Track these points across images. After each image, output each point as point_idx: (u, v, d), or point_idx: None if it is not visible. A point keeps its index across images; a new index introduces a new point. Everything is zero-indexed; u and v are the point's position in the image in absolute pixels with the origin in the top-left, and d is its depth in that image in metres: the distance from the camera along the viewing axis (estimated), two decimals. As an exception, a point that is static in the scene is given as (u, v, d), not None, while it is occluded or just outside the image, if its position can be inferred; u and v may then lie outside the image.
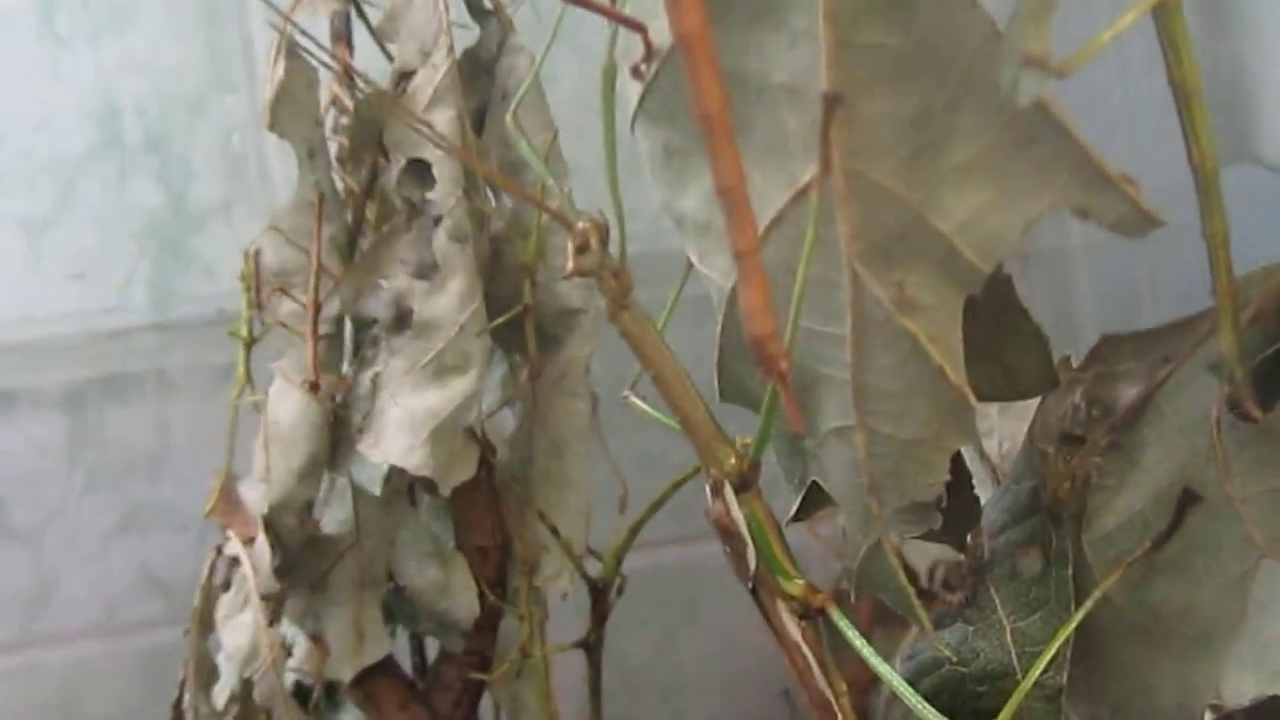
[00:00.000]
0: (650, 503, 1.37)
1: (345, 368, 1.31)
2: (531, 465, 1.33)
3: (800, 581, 0.69)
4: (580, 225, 0.63)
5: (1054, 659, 0.66)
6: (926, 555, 1.24)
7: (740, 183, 0.55)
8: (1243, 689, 0.64)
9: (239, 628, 1.30)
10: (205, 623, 1.34)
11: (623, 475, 1.38)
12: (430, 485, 1.27)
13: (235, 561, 1.32)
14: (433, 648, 1.44)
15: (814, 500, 0.73)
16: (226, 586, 1.33)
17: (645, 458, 1.44)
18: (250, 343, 1.35)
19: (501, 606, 1.35)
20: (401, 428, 1.24)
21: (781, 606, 0.70)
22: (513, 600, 1.35)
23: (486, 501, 1.35)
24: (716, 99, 0.52)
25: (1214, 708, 0.66)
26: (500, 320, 1.28)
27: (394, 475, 1.30)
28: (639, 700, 1.83)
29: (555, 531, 1.32)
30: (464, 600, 1.33)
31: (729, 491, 0.69)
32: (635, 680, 1.83)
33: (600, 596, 1.39)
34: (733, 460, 0.68)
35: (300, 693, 1.36)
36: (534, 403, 1.33)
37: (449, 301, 1.24)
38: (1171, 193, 0.61)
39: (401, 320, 1.26)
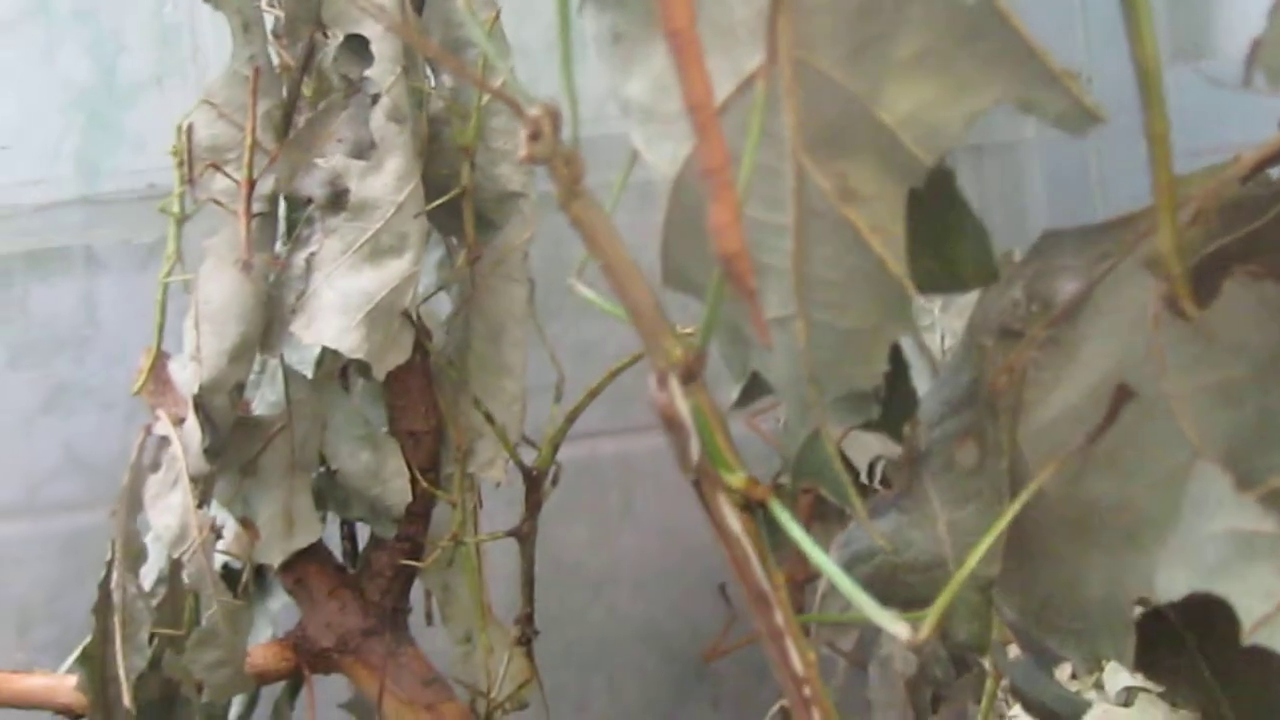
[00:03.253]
0: (587, 390, 1.39)
1: (279, 247, 1.31)
2: (468, 350, 1.34)
3: (742, 474, 0.71)
4: (533, 112, 0.64)
5: (987, 551, 0.68)
6: (867, 452, 1.26)
7: (709, 99, 0.57)
8: (1175, 585, 0.65)
9: (168, 509, 1.31)
10: (133, 502, 1.34)
11: (560, 363, 1.39)
12: (364, 368, 1.29)
13: (164, 441, 1.33)
14: (364, 534, 1.45)
15: (754, 390, 0.75)
16: (155, 467, 1.34)
17: (583, 346, 1.45)
18: (181, 219, 1.35)
19: (434, 493, 1.36)
20: (335, 309, 1.25)
21: (722, 498, 0.71)
22: (446, 487, 1.37)
23: (421, 386, 1.36)
24: (685, 14, 0.54)
25: (1142, 601, 0.68)
26: (438, 202, 1.29)
27: (327, 358, 1.32)
28: (572, 593, 1.85)
29: (490, 418, 1.33)
30: (396, 486, 1.35)
31: (674, 382, 0.70)
32: (569, 573, 1.84)
33: (534, 485, 1.41)
34: (679, 351, 0.69)
35: (229, 576, 1.37)
36: (471, 287, 1.33)
37: (386, 182, 1.25)
38: (1127, 87, 0.62)
39: (337, 200, 1.26)
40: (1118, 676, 1.06)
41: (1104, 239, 0.69)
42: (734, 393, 0.75)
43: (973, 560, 0.68)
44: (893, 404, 0.69)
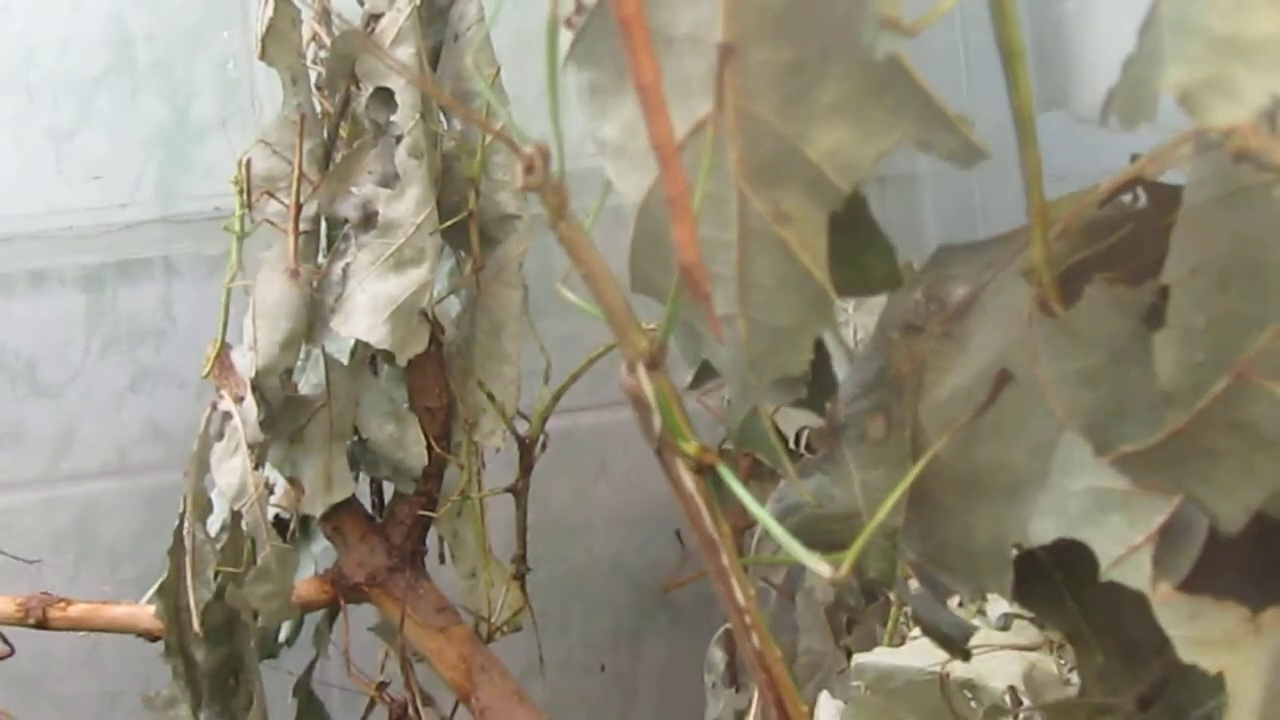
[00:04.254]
0: (570, 374, 1.39)
1: (320, 259, 1.31)
2: (473, 342, 1.34)
3: (695, 444, 0.70)
4: (527, 149, 0.64)
5: (893, 505, 0.68)
6: (794, 424, 1.26)
7: (670, 139, 0.57)
8: (1046, 532, 0.65)
9: (230, 470, 1.31)
10: (202, 465, 1.34)
11: (548, 352, 1.39)
12: (389, 357, 1.29)
13: (228, 416, 1.33)
14: (389, 490, 1.45)
15: (704, 374, 0.74)
16: (220, 436, 1.34)
17: (567, 339, 1.45)
18: (242, 236, 1.35)
19: (446, 457, 1.36)
20: (366, 309, 1.25)
21: (679, 463, 0.70)
22: (455, 452, 1.37)
23: (435, 371, 1.36)
24: (651, 71, 0.54)
25: (1018, 545, 0.68)
26: (449, 222, 1.29)
27: (359, 348, 1.32)
28: (557, 538, 1.84)
29: (491, 397, 1.33)
30: (415, 451, 1.35)
31: (640, 369, 0.70)
32: (554, 521, 1.84)
33: (527, 450, 1.41)
34: (645, 343, 0.69)
35: (279, 524, 1.37)
36: (476, 291, 1.34)
37: (407, 206, 1.25)
38: (1004, 130, 0.62)
39: (368, 220, 1.27)
40: (998, 606, 1.05)
41: (988, 252, 0.68)
42: (688, 377, 0.75)
43: (882, 512, 0.68)
44: (817, 386, 0.69)
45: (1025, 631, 1.02)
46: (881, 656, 1.02)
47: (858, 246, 0.67)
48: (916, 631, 1.08)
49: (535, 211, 1.33)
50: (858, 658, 1.02)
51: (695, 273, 0.59)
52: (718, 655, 1.72)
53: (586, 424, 1.86)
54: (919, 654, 1.01)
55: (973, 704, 0.98)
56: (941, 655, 0.98)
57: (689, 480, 0.71)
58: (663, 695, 1.95)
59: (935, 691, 0.99)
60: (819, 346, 0.68)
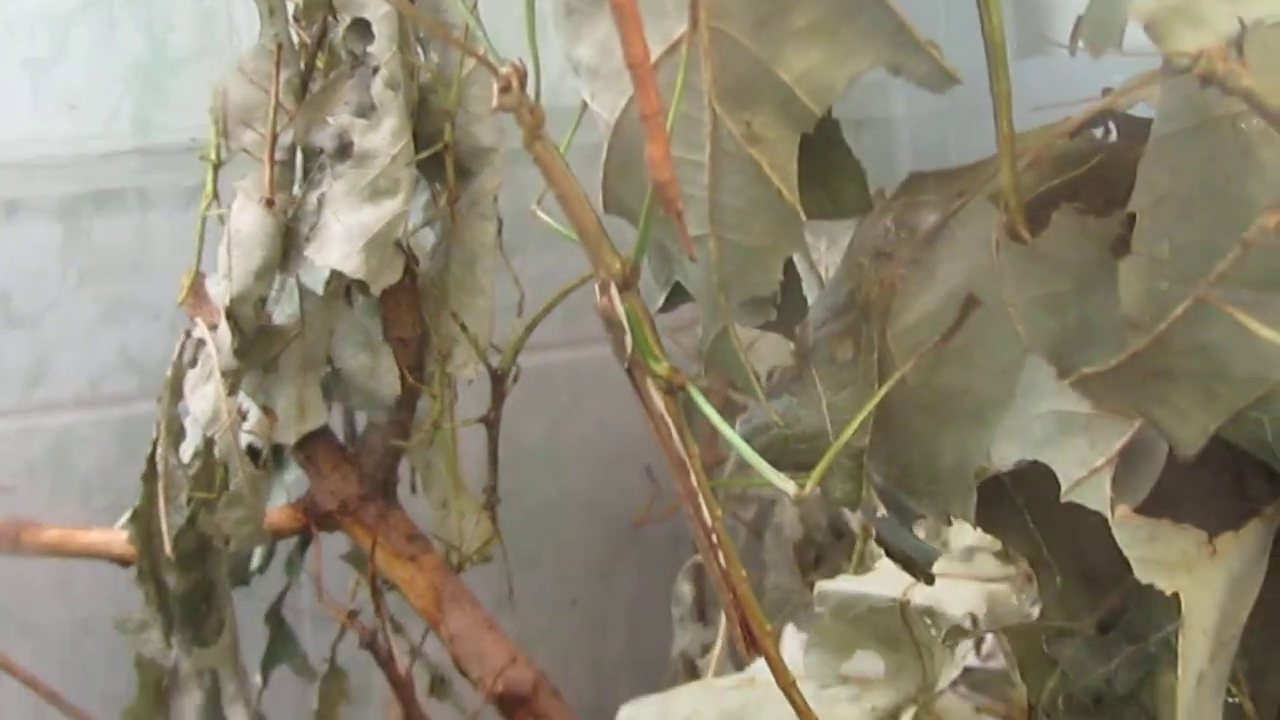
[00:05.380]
0: (543, 306, 1.39)
1: (296, 189, 1.31)
2: (447, 274, 1.34)
3: (666, 364, 0.71)
4: (504, 70, 0.64)
5: (859, 426, 0.68)
6: (764, 363, 1.27)
7: (646, 59, 0.57)
8: (1009, 455, 0.66)
9: (203, 396, 1.31)
10: (175, 391, 1.34)
11: (522, 286, 1.39)
12: (363, 287, 1.28)
13: (201, 343, 1.33)
14: (361, 420, 1.45)
15: (676, 296, 0.75)
16: (194, 363, 1.33)
17: (541, 274, 1.45)
18: (217, 165, 1.34)
19: (419, 387, 1.36)
20: (341, 239, 1.25)
21: (650, 384, 0.71)
22: (428, 383, 1.37)
23: (409, 302, 1.35)
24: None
25: (981, 471, 0.69)
26: (425, 154, 1.29)
27: (334, 278, 1.31)
28: (529, 473, 1.85)
29: (465, 328, 1.33)
30: (388, 381, 1.35)
31: (613, 290, 0.70)
32: (526, 457, 1.85)
33: (499, 382, 1.41)
34: (618, 264, 0.70)
35: (252, 452, 1.37)
36: (451, 223, 1.33)
37: (383, 137, 1.25)
38: (980, 75, 0.63)
39: (344, 151, 1.26)
40: (961, 537, 1.06)
41: (959, 180, 0.69)
42: (660, 299, 0.75)
43: (848, 433, 0.68)
44: (786, 308, 0.70)
45: (985, 563, 1.03)
46: (844, 584, 1.03)
47: (829, 170, 0.68)
48: (880, 561, 1.09)
49: (511, 146, 1.33)
50: (820, 584, 1.03)
51: (669, 189, 0.59)
52: (685, 588, 1.74)
53: (559, 361, 1.86)
54: (881, 582, 1.02)
55: (933, 631, 0.99)
56: (903, 583, 1.00)
57: (659, 401, 0.71)
58: (632, 629, 1.96)
59: (896, 619, 1.00)
60: (789, 269, 0.69)
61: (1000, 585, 1.00)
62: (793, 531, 1.67)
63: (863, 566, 1.23)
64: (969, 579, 1.02)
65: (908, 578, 0.97)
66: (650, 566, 1.92)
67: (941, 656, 1.01)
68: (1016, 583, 1.03)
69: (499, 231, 1.34)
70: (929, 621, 0.99)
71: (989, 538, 0.95)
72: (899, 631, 1.00)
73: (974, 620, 0.98)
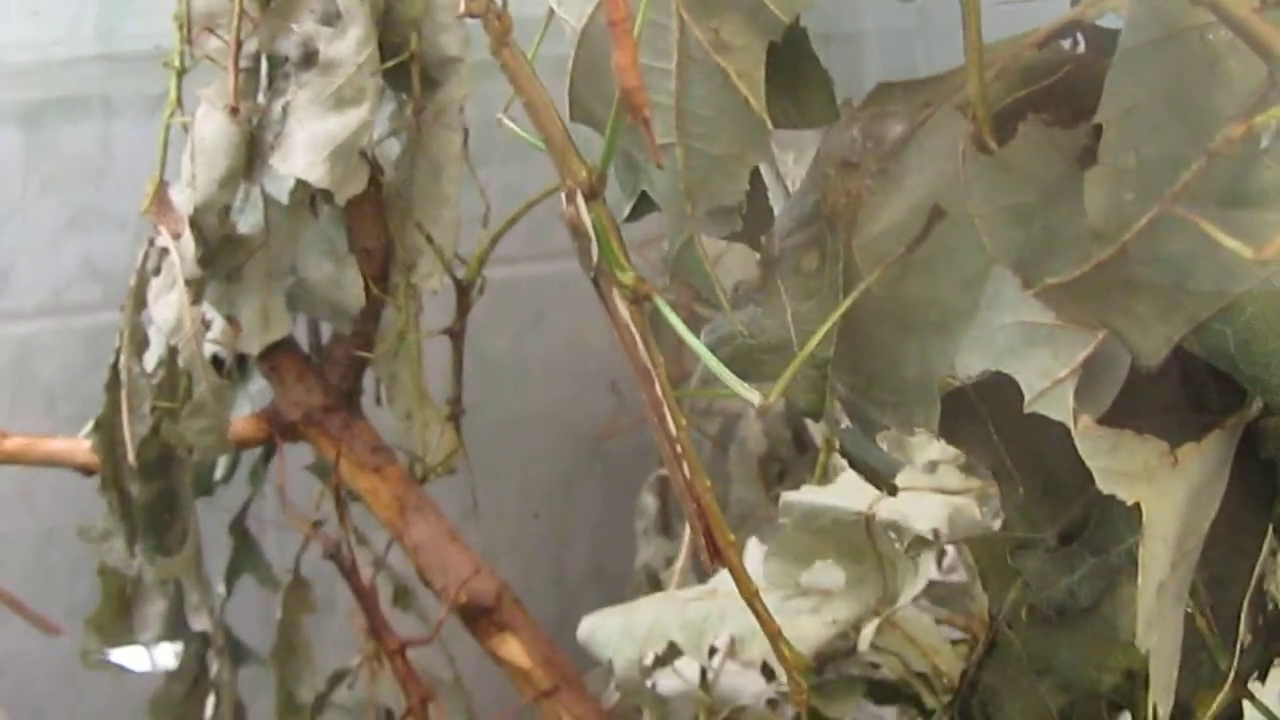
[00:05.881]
0: (508, 217, 1.38)
1: (261, 97, 1.30)
2: (412, 184, 1.34)
3: (631, 273, 0.71)
4: (472, -27, 0.64)
5: (824, 336, 0.68)
6: (731, 276, 1.27)
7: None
8: (973, 365, 0.66)
9: (167, 305, 1.30)
10: (139, 300, 1.34)
11: (487, 197, 1.39)
12: (328, 196, 1.28)
13: (165, 252, 1.32)
14: (326, 331, 1.45)
15: (642, 206, 0.75)
16: (157, 271, 1.33)
17: (507, 189, 1.44)
18: (182, 73, 1.33)
19: (383, 298, 1.36)
20: (306, 147, 1.24)
21: (616, 293, 0.71)
22: (393, 294, 1.36)
23: (374, 212, 1.35)
24: None
25: (945, 382, 0.69)
26: (391, 63, 1.28)
27: (298, 187, 1.31)
28: (494, 387, 1.84)
29: (430, 239, 1.33)
30: (353, 292, 1.35)
31: (580, 198, 0.70)
32: (491, 371, 1.84)
33: (464, 294, 1.41)
34: (584, 173, 0.70)
35: (217, 363, 1.37)
36: (417, 133, 1.33)
37: (349, 45, 1.24)
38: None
39: (308, 59, 1.26)
40: (925, 452, 1.07)
41: (926, 91, 0.69)
42: (626, 209, 0.75)
43: (813, 343, 0.68)
44: (752, 218, 0.70)
45: (948, 476, 1.04)
46: (809, 495, 1.04)
47: (796, 79, 0.68)
48: (843, 475, 1.10)
49: (478, 58, 1.33)
50: (786, 495, 1.03)
51: (636, 96, 0.59)
52: (649, 501, 1.74)
53: (525, 275, 1.86)
54: (846, 494, 1.02)
55: (897, 545, 1.00)
56: (867, 497, 1.00)
57: (625, 310, 0.71)
58: (596, 543, 1.97)
59: (860, 532, 1.01)
60: (755, 179, 0.68)
61: (963, 499, 1.01)
62: (756, 445, 1.68)
63: (826, 480, 1.23)
64: (932, 492, 1.02)
65: (872, 491, 0.97)
66: (614, 481, 1.92)
67: (904, 570, 1.02)
68: (978, 497, 1.04)
69: (465, 143, 1.34)
70: (893, 536, 0.99)
71: (951, 451, 0.95)
72: (862, 544, 1.01)
73: (936, 534, 0.98)
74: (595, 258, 0.71)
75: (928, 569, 1.01)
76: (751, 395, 0.67)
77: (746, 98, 0.64)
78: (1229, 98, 0.56)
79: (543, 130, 0.70)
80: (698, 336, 0.74)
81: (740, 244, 0.73)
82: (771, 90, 0.65)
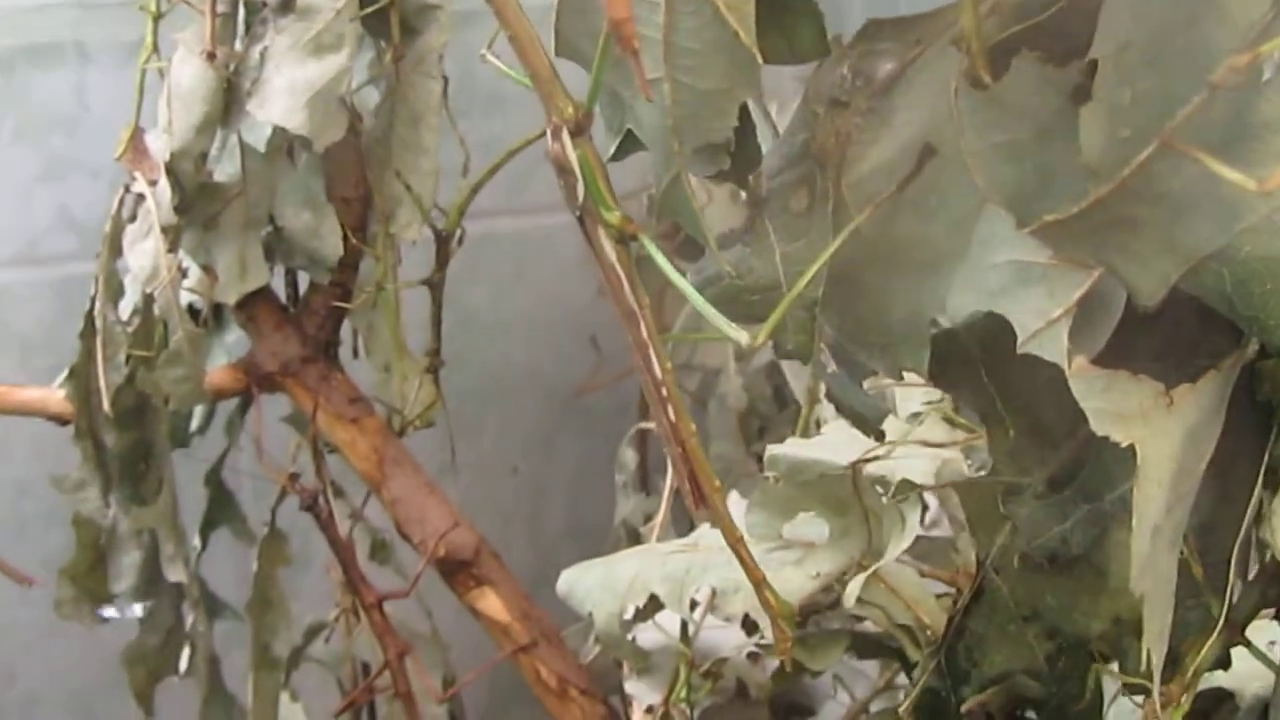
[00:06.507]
0: (488, 167, 1.37)
1: (238, 43, 1.29)
2: (391, 133, 1.33)
3: (617, 213, 0.70)
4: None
5: (813, 277, 0.68)
6: (712, 230, 1.26)
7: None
8: (965, 306, 0.65)
9: (143, 252, 1.29)
10: (114, 247, 1.33)
11: (467, 147, 1.37)
12: (306, 144, 1.27)
13: (141, 198, 1.31)
14: (304, 281, 1.44)
15: (628, 144, 0.74)
16: (133, 218, 1.32)
17: (487, 140, 1.43)
18: (158, 17, 1.32)
19: (362, 248, 1.35)
20: (284, 93, 1.23)
21: (602, 233, 0.70)
22: (371, 244, 1.35)
23: (353, 161, 1.34)
24: None
25: (935, 324, 0.68)
26: (370, 9, 1.27)
27: (276, 134, 1.30)
28: (473, 341, 1.84)
29: (409, 188, 1.32)
30: (331, 241, 1.34)
31: (565, 135, 0.69)
32: (471, 326, 1.84)
33: (444, 244, 1.40)
34: (570, 109, 0.69)
35: (193, 312, 1.36)
36: (396, 81, 1.32)
37: (328, -10, 1.23)
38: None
39: (287, 4, 1.25)
40: (910, 402, 1.06)
41: (917, 28, 0.68)
42: (612, 147, 0.74)
43: (801, 284, 0.67)
44: (740, 156, 0.69)
45: (934, 426, 1.03)
46: (795, 448, 1.03)
47: (786, 13, 0.67)
48: (826, 428, 1.09)
49: (458, 6, 1.31)
50: (772, 449, 1.02)
51: (624, 27, 0.58)
52: (629, 455, 1.73)
53: (505, 228, 1.85)
54: (832, 448, 1.01)
55: (884, 499, 0.99)
56: (852, 450, 0.99)
57: (611, 250, 0.70)
58: (573, 498, 1.96)
59: (846, 485, 1.00)
60: (744, 116, 0.67)
61: (950, 451, 1.00)
62: (737, 401, 1.67)
63: (807, 435, 1.23)
64: (918, 443, 1.01)
65: (857, 445, 0.97)
66: (593, 436, 1.92)
67: (891, 523, 1.01)
68: (965, 449, 1.03)
69: (445, 92, 1.32)
70: (880, 490, 0.99)
71: (937, 395, 0.94)
72: (848, 497, 1.00)
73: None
74: (581, 196, 0.70)
75: (914, 522, 1.00)
76: (740, 335, 0.66)
77: (736, 31, 0.63)
78: (1227, 31, 0.55)
79: (528, 65, 0.69)
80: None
81: (721, 198, 0.72)
82: (761, 24, 0.64)
